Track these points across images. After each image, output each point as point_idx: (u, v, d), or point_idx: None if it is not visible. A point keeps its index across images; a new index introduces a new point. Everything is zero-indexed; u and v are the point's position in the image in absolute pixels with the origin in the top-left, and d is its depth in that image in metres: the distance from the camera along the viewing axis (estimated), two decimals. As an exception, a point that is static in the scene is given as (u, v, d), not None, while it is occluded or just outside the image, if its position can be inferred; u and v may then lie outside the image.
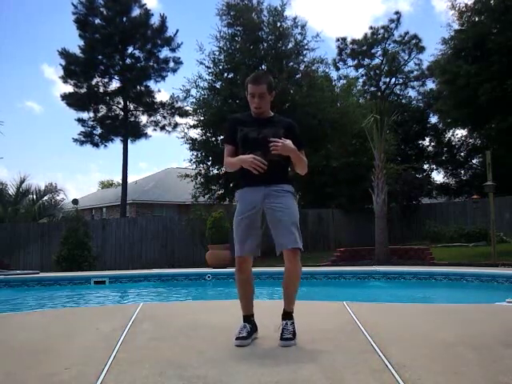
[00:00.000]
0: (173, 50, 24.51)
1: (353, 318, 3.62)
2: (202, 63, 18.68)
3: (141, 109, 25.33)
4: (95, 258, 13.71)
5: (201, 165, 19.41)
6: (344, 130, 18.37)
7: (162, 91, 60.36)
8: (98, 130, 24.78)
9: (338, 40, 32.23)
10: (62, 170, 77.18)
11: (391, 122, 15.04)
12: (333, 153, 18.98)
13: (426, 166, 29.56)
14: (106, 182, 55.71)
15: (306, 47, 18.81)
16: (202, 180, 19.46)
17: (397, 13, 32.44)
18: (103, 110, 24.71)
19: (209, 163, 19.33)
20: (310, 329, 3.27)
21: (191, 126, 19.35)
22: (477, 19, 17.15)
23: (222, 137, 17.88)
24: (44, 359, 2.75)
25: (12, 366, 2.66)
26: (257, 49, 18.53)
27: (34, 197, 21.46)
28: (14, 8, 50.32)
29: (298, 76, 18.82)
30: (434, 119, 28.18)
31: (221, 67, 18.75)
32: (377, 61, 32.63)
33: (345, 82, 25.07)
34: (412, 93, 31.93)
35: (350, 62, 32.44)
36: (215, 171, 19.36)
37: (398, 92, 32.55)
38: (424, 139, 29.73)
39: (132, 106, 25.18)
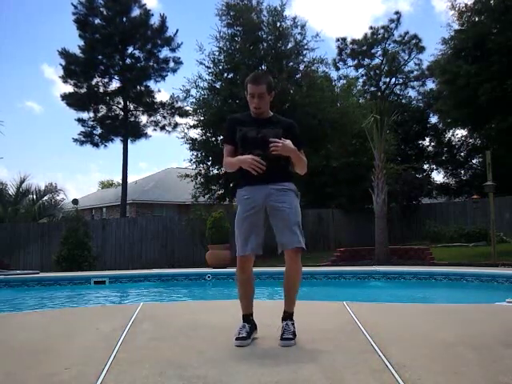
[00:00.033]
0: (173, 50, 24.55)
1: (353, 318, 3.62)
2: (201, 63, 18.71)
3: (141, 109, 25.34)
4: (95, 257, 13.71)
5: (201, 165, 19.41)
6: (344, 130, 18.36)
7: (162, 91, 60.42)
8: (98, 130, 24.80)
9: (337, 40, 32.27)
10: (61, 170, 77.27)
11: (391, 122, 15.03)
12: (333, 153, 18.98)
13: (426, 166, 29.57)
14: (106, 182, 55.76)
15: (306, 47, 18.82)
16: (202, 180, 19.46)
17: (397, 13, 32.50)
18: (103, 110, 24.73)
19: (209, 163, 19.32)
20: (310, 329, 3.27)
21: (191, 126, 19.36)
22: (477, 19, 17.15)
23: (221, 137, 17.88)
24: (44, 359, 2.75)
25: (12, 366, 2.66)
26: (256, 49, 18.53)
27: (34, 197, 21.46)
28: (13, 8, 50.41)
29: (297, 76, 18.82)
30: (434, 119, 28.22)
31: (221, 67, 18.75)
32: (377, 61, 32.66)
33: (345, 82, 25.07)
34: (412, 93, 32.00)
35: (350, 62, 32.48)
36: (215, 171, 19.36)
37: (398, 92, 32.56)
38: (424, 139, 29.73)
39: (132, 106, 25.19)
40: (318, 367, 2.45)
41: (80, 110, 24.05)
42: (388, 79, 32.67)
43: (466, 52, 16.62)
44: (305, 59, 19.10)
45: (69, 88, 24.39)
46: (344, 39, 32.12)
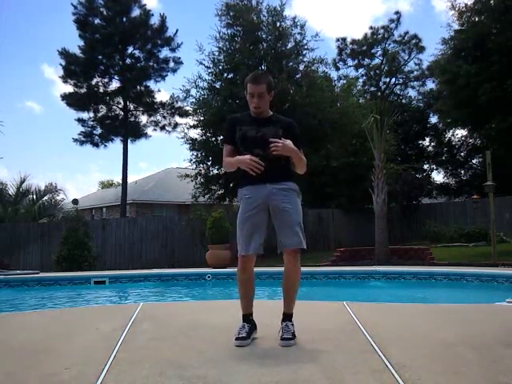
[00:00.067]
0: (173, 50, 24.55)
1: (353, 318, 3.62)
2: (201, 63, 18.72)
3: (141, 109, 25.33)
4: (95, 258, 13.71)
5: (201, 165, 19.42)
6: (344, 130, 18.36)
7: (162, 91, 60.43)
8: (98, 130, 24.79)
9: (337, 40, 32.29)
10: (62, 170, 77.27)
11: (391, 122, 15.04)
12: (333, 153, 18.98)
13: (426, 166, 29.58)
14: (106, 182, 55.75)
15: (306, 47, 18.83)
16: (202, 180, 19.47)
17: (397, 13, 32.52)
18: (103, 110, 24.73)
19: (209, 163, 19.33)
20: (309, 329, 3.27)
21: (191, 126, 19.36)
22: (477, 19, 17.14)
23: (221, 137, 17.88)
24: (44, 359, 2.75)
25: (12, 366, 2.66)
26: (256, 49, 18.53)
27: (34, 197, 21.46)
28: (13, 8, 50.36)
29: (297, 76, 18.82)
30: (434, 119, 28.22)
31: (220, 67, 18.75)
32: (377, 61, 32.68)
33: (345, 82, 25.07)
34: (412, 93, 32.02)
35: (350, 62, 32.50)
36: (215, 171, 19.36)
37: (398, 92, 32.58)
38: (424, 139, 29.73)
39: (132, 106, 25.19)
40: (318, 367, 2.45)
41: (80, 109, 24.06)
42: (388, 79, 32.69)
43: (466, 52, 16.62)
44: (305, 59, 19.13)
45: (69, 88, 24.44)
46: (344, 39, 32.18)
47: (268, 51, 18.58)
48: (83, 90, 23.88)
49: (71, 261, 12.73)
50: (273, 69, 17.15)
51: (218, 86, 18.52)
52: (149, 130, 25.54)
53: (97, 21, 23.68)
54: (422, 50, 31.31)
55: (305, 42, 18.76)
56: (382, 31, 31.96)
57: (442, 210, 19.47)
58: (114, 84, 24.72)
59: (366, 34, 31.93)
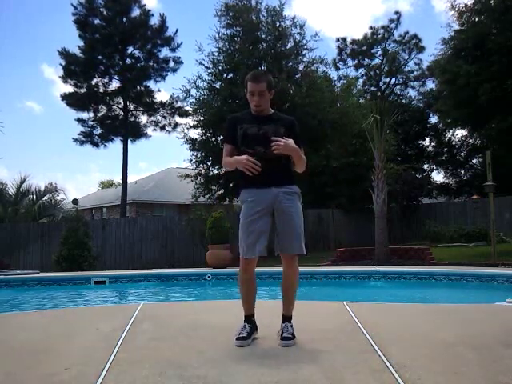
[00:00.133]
0: (173, 50, 24.55)
1: (353, 318, 3.62)
2: (201, 63, 18.69)
3: (141, 109, 25.33)
4: (95, 258, 13.71)
5: (201, 165, 19.41)
6: (344, 130, 18.35)
7: (162, 91, 60.46)
8: (98, 130, 24.79)
9: (337, 40, 32.29)
10: (62, 170, 77.29)
11: (391, 122, 15.03)
12: (333, 153, 18.97)
13: (426, 166, 29.57)
14: (106, 182, 55.77)
15: (306, 47, 18.82)
16: (202, 180, 19.46)
17: (397, 13, 32.53)
18: (103, 110, 24.73)
19: (209, 163, 19.32)
20: (309, 329, 3.27)
21: (191, 126, 19.35)
22: (477, 19, 17.13)
23: (221, 137, 17.88)
24: (44, 359, 2.75)
25: (12, 366, 2.66)
26: (256, 49, 18.52)
27: (34, 197, 21.46)
28: (13, 8, 50.41)
29: (297, 76, 18.82)
30: (434, 119, 28.22)
31: (220, 67, 18.74)
32: (377, 61, 32.68)
33: (345, 82, 25.05)
34: (412, 93, 32.01)
35: (350, 62, 32.49)
36: (215, 171, 19.35)
37: (398, 92, 32.57)
38: (424, 139, 29.73)
39: (132, 106, 25.18)
40: (318, 367, 2.45)
41: (80, 110, 24.06)
42: (388, 79, 32.68)
43: (466, 52, 16.61)
44: (304, 59, 19.11)
45: (69, 88, 24.44)
46: (344, 39, 32.17)
47: (267, 51, 18.57)
48: (83, 90, 23.89)
49: (71, 261, 12.73)
50: (272, 69, 17.14)
51: (217, 86, 18.52)
52: (149, 130, 25.59)
53: (97, 21, 23.69)
54: (422, 50, 31.34)
55: (304, 41, 18.76)
56: (381, 31, 31.99)
57: (442, 210, 19.47)
58: (114, 84, 24.76)
59: (366, 34, 31.98)
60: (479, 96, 15.25)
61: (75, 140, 24.50)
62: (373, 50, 32.23)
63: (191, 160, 19.28)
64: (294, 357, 2.66)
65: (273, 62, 18.13)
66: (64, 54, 23.05)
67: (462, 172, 27.96)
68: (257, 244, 2.99)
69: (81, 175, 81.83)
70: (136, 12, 24.01)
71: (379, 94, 30.40)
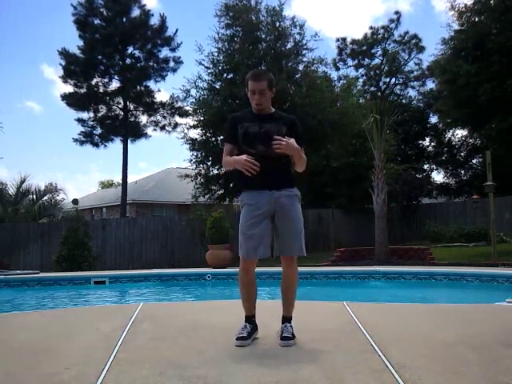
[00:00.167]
0: (173, 50, 24.52)
1: (353, 318, 3.62)
2: (201, 64, 18.69)
3: (141, 109, 25.32)
4: (95, 258, 13.72)
5: (201, 165, 19.40)
6: (344, 130, 18.35)
7: (162, 91, 60.42)
8: (98, 130, 24.78)
9: (337, 40, 32.28)
10: (62, 170, 77.30)
11: (391, 122, 15.03)
12: (333, 153, 18.97)
13: (426, 166, 29.57)
14: (106, 182, 55.77)
15: (305, 47, 18.82)
16: (202, 180, 19.45)
17: (397, 13, 32.52)
18: (103, 110, 24.71)
19: (209, 163, 19.31)
20: (309, 329, 3.27)
21: (191, 126, 19.35)
22: (477, 19, 17.14)
23: (221, 137, 17.87)
24: (44, 359, 2.75)
25: (12, 366, 2.66)
26: (256, 49, 18.52)
27: (34, 197, 21.47)
28: (13, 8, 50.41)
29: (297, 76, 18.82)
30: (434, 119, 28.21)
31: (220, 68, 18.74)
32: (377, 61, 32.67)
33: (345, 82, 25.06)
34: (412, 93, 32.00)
35: (350, 62, 32.48)
36: (215, 171, 19.35)
37: (398, 92, 32.57)
38: (424, 139, 29.72)
39: (132, 106, 25.17)
40: (318, 367, 2.45)
41: (80, 110, 24.05)
42: (388, 79, 32.68)
43: (466, 52, 16.61)
44: (304, 59, 19.10)
45: (69, 88, 24.43)
46: (344, 39, 32.17)
47: (267, 51, 18.57)
48: (83, 90, 23.87)
49: (71, 261, 12.73)
50: (272, 69, 17.11)
51: (217, 87, 18.52)
52: (149, 130, 25.57)
53: (97, 21, 23.67)
54: (422, 50, 31.33)
55: (304, 41, 18.76)
56: (382, 31, 31.98)
57: (442, 210, 19.46)
58: (114, 84, 24.74)
59: (366, 34, 31.96)
60: (479, 96, 15.25)
61: (75, 140, 24.51)
62: (373, 50, 32.23)
63: (191, 160, 19.30)
64: (294, 357, 2.66)
65: (273, 62, 18.13)
66: (64, 53, 23.05)
67: (462, 172, 27.96)
68: (258, 247, 2.98)
69: (81, 175, 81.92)
70: (136, 12, 24.04)
71: (379, 94, 30.40)
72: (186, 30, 66.47)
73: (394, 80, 32.58)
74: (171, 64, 24.62)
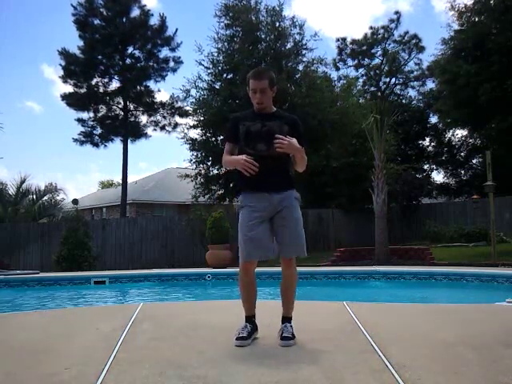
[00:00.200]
0: (172, 50, 24.51)
1: (353, 318, 3.62)
2: (201, 64, 18.70)
3: (141, 109, 25.32)
4: (95, 257, 13.71)
5: (201, 165, 19.41)
6: (344, 130, 18.35)
7: (162, 91, 60.45)
8: (98, 130, 24.77)
9: (337, 40, 32.27)
10: (62, 170, 77.31)
11: (391, 122, 15.03)
12: (333, 153, 18.97)
13: (426, 166, 29.56)
14: (106, 181, 55.79)
15: (305, 47, 18.83)
16: (202, 180, 19.46)
17: (397, 13, 32.53)
18: (103, 110, 24.71)
19: (209, 163, 19.32)
20: (309, 329, 3.27)
21: (191, 127, 19.36)
22: (477, 19, 17.15)
23: (221, 137, 17.88)
24: (44, 359, 2.75)
25: (12, 366, 2.66)
26: (255, 49, 18.53)
27: (34, 197, 21.45)
28: (13, 8, 50.42)
29: (297, 76, 18.82)
30: (434, 119, 28.21)
31: (220, 68, 18.75)
32: (377, 61, 32.67)
33: (345, 82, 25.06)
34: (412, 93, 31.99)
35: (350, 62, 32.47)
36: (215, 171, 19.36)
37: (398, 92, 32.56)
38: (424, 139, 29.72)
39: (132, 106, 25.17)
40: (318, 367, 2.45)
41: (80, 109, 24.04)
42: (388, 79, 32.67)
43: (466, 52, 16.62)
44: (304, 59, 19.12)
45: (69, 88, 24.42)
46: (344, 39, 32.16)
47: (267, 51, 18.57)
48: (83, 90, 23.87)
49: (71, 261, 12.73)
50: (272, 69, 17.12)
51: (217, 87, 18.53)
52: (149, 130, 25.56)
53: (96, 21, 23.67)
54: (422, 50, 31.33)
55: (304, 41, 18.79)
56: (381, 31, 31.97)
57: (442, 210, 19.46)
58: (114, 84, 24.74)
59: (365, 34, 31.96)
60: (479, 96, 15.26)
61: (75, 140, 24.51)
62: (373, 50, 32.23)
63: (191, 160, 19.31)
64: (294, 357, 2.66)
65: (272, 62, 18.13)
66: (64, 53, 23.05)
67: (462, 172, 27.96)
68: (258, 248, 2.99)
69: (81, 175, 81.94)
70: (136, 12, 24.03)
71: (379, 94, 30.40)
72: (185, 30, 66.48)
73: (394, 80, 32.59)
74: (171, 64, 24.64)
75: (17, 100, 68.01)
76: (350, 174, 18.31)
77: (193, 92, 18.75)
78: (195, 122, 19.18)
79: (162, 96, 51.05)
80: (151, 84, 24.81)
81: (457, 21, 17.80)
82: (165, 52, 24.60)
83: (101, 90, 24.34)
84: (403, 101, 30.87)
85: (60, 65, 23.32)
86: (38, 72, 62.92)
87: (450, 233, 15.83)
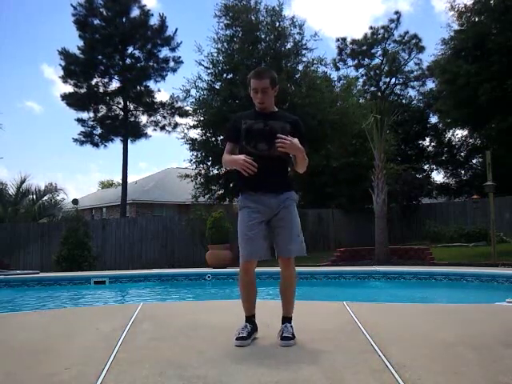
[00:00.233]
0: (172, 50, 24.50)
1: (353, 318, 3.62)
2: (201, 64, 18.70)
3: (141, 109, 25.31)
4: (95, 258, 13.71)
5: (201, 165, 19.41)
6: (344, 130, 18.36)
7: (162, 91, 60.48)
8: (98, 130, 24.77)
9: (337, 40, 32.30)
10: (62, 170, 77.33)
11: (391, 122, 15.03)
12: (333, 153, 18.98)
13: (426, 166, 29.58)
14: (106, 182, 55.79)
15: (305, 47, 18.83)
16: (202, 180, 19.46)
17: (397, 13, 32.57)
18: (103, 110, 24.70)
19: (209, 163, 19.32)
20: (309, 329, 3.27)
21: (191, 127, 19.36)
22: (476, 19, 17.15)
23: (221, 137, 17.88)
24: (44, 359, 2.75)
25: (12, 366, 2.66)
26: (255, 49, 18.52)
27: (34, 197, 21.45)
28: (13, 8, 50.42)
29: (297, 76, 18.82)
30: (434, 119, 28.24)
31: (220, 68, 18.74)
32: (377, 61, 32.69)
33: (345, 82, 25.06)
34: (412, 93, 32.02)
35: (350, 62, 32.51)
36: (215, 171, 19.36)
37: (398, 92, 32.58)
38: (424, 139, 29.73)
39: (132, 106, 25.16)
40: (318, 367, 2.45)
41: (80, 109, 24.04)
42: (388, 79, 32.68)
43: (466, 52, 16.61)
44: (304, 59, 19.12)
45: (69, 88, 24.42)
46: (344, 39, 32.18)
47: (267, 51, 18.57)
48: (83, 90, 23.86)
49: (71, 261, 12.73)
50: (272, 69, 17.12)
51: (217, 87, 18.52)
52: (149, 130, 25.56)
53: (96, 21, 23.66)
54: (422, 49, 31.35)
55: (304, 41, 18.79)
56: (381, 31, 31.99)
57: (442, 210, 19.46)
58: (114, 84, 24.73)
59: (365, 34, 31.99)
60: (479, 96, 15.25)
61: (75, 140, 24.50)
62: (373, 50, 32.24)
63: (191, 160, 19.31)
64: (294, 357, 2.66)
65: (272, 62, 18.12)
66: (64, 53, 23.04)
67: (462, 172, 27.97)
68: (258, 248, 3.00)
69: (81, 175, 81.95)
70: (136, 12, 24.02)
71: (379, 94, 30.41)
72: (185, 30, 66.46)
73: (394, 80, 32.61)
74: (171, 64, 24.64)
75: (17, 100, 68.11)
76: (349, 174, 18.32)
77: (193, 92, 18.78)
78: (195, 122, 19.18)
79: (162, 96, 51.15)
80: (151, 84, 24.85)
81: (457, 21, 17.81)
82: (165, 52, 24.63)
83: (101, 89, 24.33)
84: (403, 101, 30.88)
85: (60, 65, 23.35)
86: (37, 72, 63.01)
87: (450, 233, 15.83)
